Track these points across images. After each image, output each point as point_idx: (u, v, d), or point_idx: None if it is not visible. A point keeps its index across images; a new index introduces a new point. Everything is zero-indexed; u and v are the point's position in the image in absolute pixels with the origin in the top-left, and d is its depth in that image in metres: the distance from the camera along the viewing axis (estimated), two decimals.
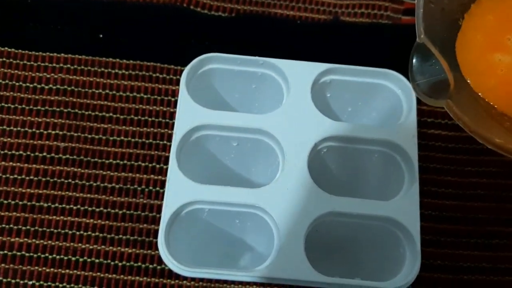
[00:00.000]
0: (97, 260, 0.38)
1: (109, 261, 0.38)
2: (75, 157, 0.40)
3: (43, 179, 0.40)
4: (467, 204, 0.40)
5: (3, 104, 0.41)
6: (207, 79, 0.34)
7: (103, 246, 0.38)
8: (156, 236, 0.38)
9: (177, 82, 0.42)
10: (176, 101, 0.41)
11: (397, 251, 0.31)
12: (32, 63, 0.43)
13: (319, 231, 0.32)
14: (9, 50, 0.43)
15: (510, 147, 0.25)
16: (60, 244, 0.38)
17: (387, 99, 0.35)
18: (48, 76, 0.42)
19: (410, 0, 0.46)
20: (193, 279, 0.37)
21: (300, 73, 0.33)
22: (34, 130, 0.41)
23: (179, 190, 0.30)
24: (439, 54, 0.27)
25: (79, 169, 0.40)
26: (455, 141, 0.42)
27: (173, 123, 0.41)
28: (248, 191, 0.31)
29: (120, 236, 0.39)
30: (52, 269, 0.38)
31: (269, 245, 0.32)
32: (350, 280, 0.30)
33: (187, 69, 0.33)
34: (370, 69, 0.34)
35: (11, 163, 0.40)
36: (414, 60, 0.27)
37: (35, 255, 0.38)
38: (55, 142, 0.41)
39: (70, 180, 0.40)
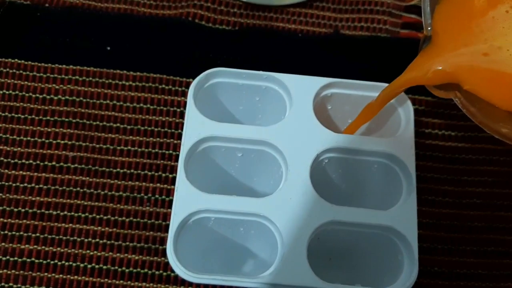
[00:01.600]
0: (104, 267, 0.39)
1: (116, 267, 0.39)
2: (83, 166, 0.41)
3: (52, 187, 0.41)
4: (464, 213, 0.41)
5: (13, 114, 0.43)
6: (213, 92, 0.35)
7: (110, 253, 0.39)
8: (162, 243, 0.40)
9: (182, 93, 0.44)
10: (181, 112, 0.43)
11: (395, 258, 0.32)
12: (41, 74, 0.44)
13: (320, 239, 0.33)
14: (19, 61, 0.44)
15: None
16: (69, 251, 0.39)
17: (385, 112, 0.36)
18: (57, 87, 0.44)
19: (408, 15, 0.47)
20: (198, 285, 0.38)
21: (302, 87, 0.34)
22: (43, 139, 0.42)
23: (187, 199, 0.31)
24: None
25: (88, 178, 0.41)
26: (451, 151, 0.43)
27: (178, 133, 0.42)
28: (253, 201, 0.32)
29: (127, 243, 0.40)
30: (61, 275, 0.39)
31: (272, 252, 0.34)
32: (350, 286, 0.31)
33: (194, 83, 0.34)
34: (369, 83, 0.35)
35: (21, 172, 0.41)
36: None
37: (44, 262, 0.39)
38: (64, 152, 0.42)
39: (78, 189, 0.41)
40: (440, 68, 0.29)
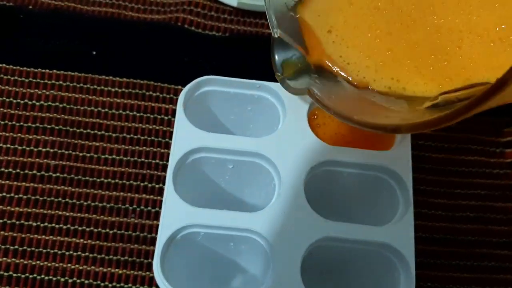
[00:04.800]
0: (86, 281, 0.37)
1: (99, 282, 0.37)
2: (65, 175, 0.40)
3: (33, 197, 0.39)
4: (457, 226, 0.41)
5: None
6: (203, 100, 0.34)
7: (93, 267, 0.38)
8: (147, 257, 0.38)
9: (170, 101, 0.42)
10: (169, 120, 0.42)
11: (391, 275, 0.31)
12: (23, 79, 0.42)
13: (313, 255, 0.32)
14: (0, 65, 0.42)
15: (369, 122, 0.26)
16: (49, 264, 0.38)
17: None
18: (39, 92, 0.42)
19: None
20: None
21: (296, 97, 0.33)
22: (24, 147, 0.40)
23: (176, 213, 0.30)
24: (294, 43, 0.31)
25: (70, 188, 0.39)
26: (444, 164, 0.43)
27: (166, 142, 0.41)
28: (244, 215, 0.31)
29: (111, 256, 0.38)
30: None
31: (263, 268, 0.32)
32: None
33: (184, 91, 0.33)
34: None
35: (0, 180, 0.39)
36: (276, 56, 0.32)
37: (23, 276, 0.37)
38: (45, 160, 0.40)
39: (60, 199, 0.39)
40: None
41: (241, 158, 0.32)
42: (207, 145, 0.32)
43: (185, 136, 0.32)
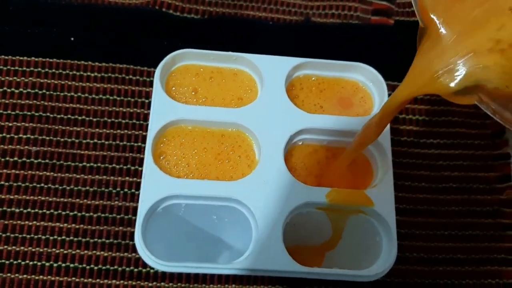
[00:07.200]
0: (72, 265, 0.37)
1: (84, 265, 0.37)
2: (47, 161, 0.40)
3: (15, 184, 0.39)
4: (440, 197, 0.41)
5: None
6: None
7: (78, 250, 0.37)
8: (132, 239, 0.38)
9: (150, 84, 0.42)
10: (149, 103, 0.42)
11: (373, 240, 0.31)
12: (1, 67, 0.42)
13: (296, 225, 0.32)
14: None
15: None
16: (33, 249, 0.37)
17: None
18: (18, 80, 0.42)
19: (379, 1, 0.47)
20: (171, 280, 0.37)
21: (273, 67, 0.33)
22: (4, 134, 0.40)
23: (155, 184, 0.30)
24: None
25: (52, 173, 0.39)
26: (426, 136, 0.43)
27: (147, 125, 0.41)
28: (225, 184, 0.31)
29: (96, 239, 0.38)
30: (25, 276, 0.37)
31: (247, 241, 0.32)
32: (328, 269, 0.30)
33: (160, 66, 0.33)
34: (341, 62, 0.35)
35: None
36: None
37: (7, 262, 0.37)
38: (26, 147, 0.40)
39: (42, 185, 0.39)
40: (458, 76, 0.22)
41: (225, 128, 0.32)
42: (187, 117, 0.32)
43: (162, 109, 0.32)
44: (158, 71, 0.33)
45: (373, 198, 0.31)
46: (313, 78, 0.35)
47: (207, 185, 0.30)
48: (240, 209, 0.31)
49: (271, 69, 0.33)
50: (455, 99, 0.23)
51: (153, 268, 0.37)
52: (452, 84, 0.23)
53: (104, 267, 0.37)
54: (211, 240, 0.34)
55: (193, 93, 0.34)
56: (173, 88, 0.33)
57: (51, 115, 0.41)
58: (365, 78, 0.35)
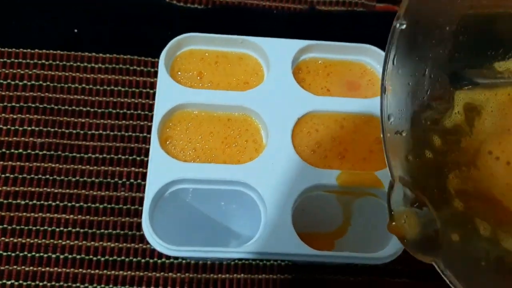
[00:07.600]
0: (78, 256, 0.37)
1: (91, 256, 0.37)
2: (52, 152, 0.39)
3: (20, 176, 0.38)
4: None
5: None
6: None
7: (84, 242, 0.37)
8: (139, 229, 0.37)
9: (155, 74, 0.42)
10: (154, 93, 0.41)
11: (384, 223, 0.31)
12: (5, 59, 0.42)
13: (305, 210, 0.31)
14: None
15: None
16: (40, 241, 0.37)
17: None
18: (22, 72, 0.41)
19: None
20: (179, 271, 0.36)
21: (279, 50, 0.33)
22: (9, 127, 0.40)
23: (162, 169, 0.30)
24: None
25: (57, 165, 0.39)
26: None
27: (152, 116, 0.40)
28: (233, 167, 0.30)
29: (102, 230, 0.37)
30: (31, 268, 0.36)
31: (255, 227, 0.32)
32: (339, 252, 0.29)
33: (165, 50, 0.32)
34: (347, 44, 0.34)
35: None
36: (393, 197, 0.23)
37: (13, 254, 0.36)
38: (31, 139, 0.39)
39: (48, 176, 0.39)
40: None
41: (231, 112, 0.32)
42: (194, 101, 0.31)
43: (167, 93, 0.31)
44: (163, 56, 0.32)
45: (383, 179, 0.30)
46: (319, 62, 0.35)
47: (215, 168, 0.30)
48: (248, 193, 0.30)
49: (277, 52, 0.33)
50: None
51: (161, 256, 0.36)
52: None
53: (111, 258, 0.37)
54: (219, 226, 0.33)
55: (198, 78, 0.33)
56: (179, 73, 0.33)
57: (56, 107, 0.41)
58: (372, 60, 0.35)
